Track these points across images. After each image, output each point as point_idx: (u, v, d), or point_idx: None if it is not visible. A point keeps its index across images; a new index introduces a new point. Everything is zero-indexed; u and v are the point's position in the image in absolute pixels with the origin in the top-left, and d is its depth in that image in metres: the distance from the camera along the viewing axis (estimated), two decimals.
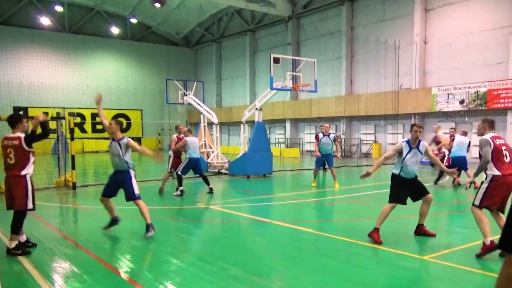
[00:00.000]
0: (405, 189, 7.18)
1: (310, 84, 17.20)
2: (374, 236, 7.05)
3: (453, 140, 13.69)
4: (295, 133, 36.34)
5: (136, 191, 7.64)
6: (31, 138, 6.61)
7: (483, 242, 6.15)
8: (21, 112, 30.40)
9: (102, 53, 41.87)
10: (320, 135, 13.93)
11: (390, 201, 7.20)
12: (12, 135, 6.59)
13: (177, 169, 12.42)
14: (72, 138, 13.26)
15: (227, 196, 13.55)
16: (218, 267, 5.91)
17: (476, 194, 6.34)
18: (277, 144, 35.93)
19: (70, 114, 16.62)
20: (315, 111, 32.64)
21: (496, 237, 6.41)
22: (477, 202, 6.24)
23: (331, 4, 31.89)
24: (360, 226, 8.59)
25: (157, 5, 35.08)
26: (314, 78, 17.22)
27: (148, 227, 7.49)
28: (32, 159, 6.64)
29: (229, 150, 32.25)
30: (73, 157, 13.30)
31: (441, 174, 14.13)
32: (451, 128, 15.13)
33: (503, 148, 6.23)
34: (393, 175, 7.30)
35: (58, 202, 11.80)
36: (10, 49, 36.72)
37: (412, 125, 7.19)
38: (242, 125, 18.63)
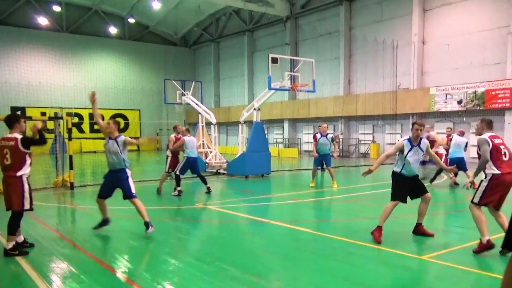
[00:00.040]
0: (405, 186, 7.19)
1: (308, 84, 17.19)
2: (375, 234, 7.07)
3: (450, 140, 13.69)
4: (293, 133, 36.35)
5: (133, 190, 7.64)
6: (28, 141, 6.57)
7: (480, 240, 6.24)
8: (19, 112, 30.33)
9: (100, 53, 41.82)
10: (318, 135, 13.92)
11: (392, 199, 7.21)
12: (9, 136, 6.56)
13: (176, 169, 12.41)
14: (70, 138, 13.24)
15: (225, 196, 13.54)
16: (216, 267, 5.90)
17: (476, 192, 6.39)
18: (275, 144, 35.94)
19: (68, 114, 16.54)
20: (313, 111, 32.64)
21: (493, 237, 6.44)
22: (476, 200, 6.31)
23: (329, 4, 31.90)
24: (358, 226, 8.60)
25: None
26: (312, 78, 17.21)
27: (147, 225, 7.51)
28: (28, 160, 6.59)
29: (227, 150, 32.21)
30: (70, 157, 13.28)
31: (438, 173, 14.12)
32: (448, 128, 15.13)
33: (502, 147, 6.27)
34: (394, 173, 7.30)
35: (55, 202, 11.77)
36: (8, 49, 36.69)
37: (413, 123, 7.20)
38: (240, 125, 18.62)
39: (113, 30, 42.43)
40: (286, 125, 36.33)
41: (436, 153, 14.60)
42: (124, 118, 41.38)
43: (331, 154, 14.15)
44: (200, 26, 45.15)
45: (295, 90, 17.33)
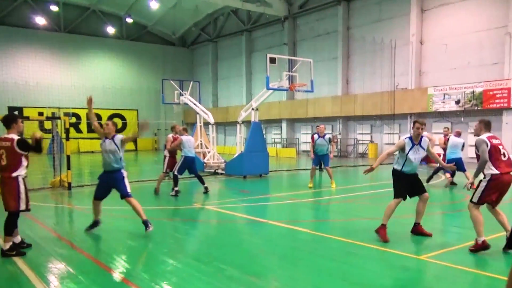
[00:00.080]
0: (405, 184, 7.25)
1: (307, 84, 17.19)
2: (381, 232, 7.11)
3: (447, 139, 13.68)
4: (292, 133, 36.35)
5: (129, 189, 7.69)
6: (24, 144, 6.50)
7: (476, 240, 6.32)
8: (16, 112, 30.29)
9: (97, 53, 41.75)
10: (315, 136, 13.96)
11: (395, 197, 7.25)
12: (5, 136, 6.52)
13: (173, 169, 12.39)
14: (67, 138, 13.20)
15: (224, 196, 13.52)
16: (215, 267, 5.89)
17: (475, 191, 6.46)
18: (273, 144, 35.94)
19: (65, 114, 16.57)
20: (311, 111, 32.65)
21: (492, 236, 6.45)
22: (475, 200, 6.39)
23: (327, 4, 31.91)
24: (356, 226, 8.61)
25: None
26: (310, 78, 17.21)
27: (146, 223, 7.55)
28: (25, 162, 6.53)
29: (225, 150, 32.23)
30: (68, 157, 13.25)
31: (434, 173, 14.13)
32: (445, 128, 15.12)
33: (500, 147, 6.34)
34: (395, 170, 7.36)
35: (53, 202, 11.74)
36: (5, 48, 36.62)
37: (414, 122, 7.23)
38: (238, 125, 18.61)
39: (110, 30, 42.37)
40: (284, 125, 36.33)
41: None
42: (122, 118, 41.32)
43: (328, 154, 14.13)
44: (198, 26, 45.12)
45: (293, 90, 17.32)
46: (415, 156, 7.15)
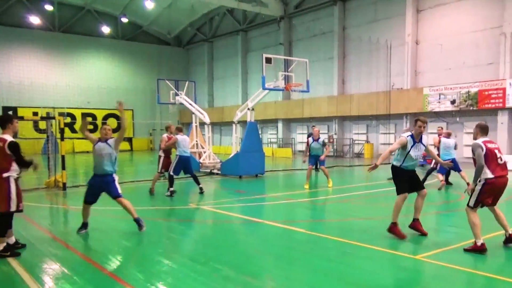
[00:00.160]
0: (405, 179, 7.34)
1: (302, 84, 17.19)
2: (395, 231, 7.18)
3: (439, 140, 13.62)
4: (287, 133, 36.36)
5: (119, 190, 7.75)
6: (15, 150, 6.37)
7: (475, 242, 6.34)
8: (10, 112, 30.15)
9: (92, 53, 41.60)
10: (310, 139, 14.02)
11: (399, 193, 7.29)
12: (0, 136, 6.45)
13: (169, 169, 12.34)
14: (62, 138, 13.14)
15: (219, 196, 13.49)
16: (210, 267, 5.87)
17: (471, 196, 6.51)
18: (269, 144, 35.93)
19: (60, 114, 16.45)
20: (307, 111, 32.66)
21: (486, 237, 6.46)
22: (471, 204, 6.46)
23: (323, 4, 31.94)
24: (352, 226, 8.62)
25: None
26: (306, 78, 17.21)
27: (138, 221, 7.67)
28: (15, 165, 6.48)
29: (221, 150, 32.15)
30: (63, 157, 13.18)
31: (428, 174, 14.13)
32: (439, 127, 15.09)
33: (496, 151, 6.42)
34: (394, 167, 7.42)
35: (48, 202, 11.68)
36: None
37: (417, 120, 7.30)
38: (234, 125, 18.58)
39: (106, 29, 42.23)
40: (280, 125, 36.33)
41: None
42: (117, 118, 41.05)
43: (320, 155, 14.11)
44: (194, 26, 45.06)
45: (289, 90, 17.32)
46: (416, 153, 7.23)
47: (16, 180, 6.47)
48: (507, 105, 21.81)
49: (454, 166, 12.51)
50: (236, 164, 16.83)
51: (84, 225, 7.84)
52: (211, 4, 36.68)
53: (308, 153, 14.10)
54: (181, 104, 21.26)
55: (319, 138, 13.95)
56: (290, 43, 35.51)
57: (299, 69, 17.71)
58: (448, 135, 13.75)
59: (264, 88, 16.58)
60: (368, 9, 29.43)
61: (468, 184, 6.85)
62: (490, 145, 6.43)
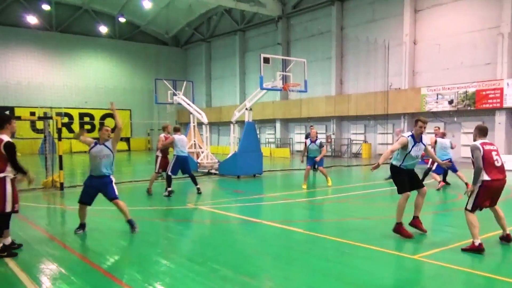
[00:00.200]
0: (406, 178, 7.38)
1: (300, 84, 17.18)
2: (401, 231, 7.20)
3: (436, 141, 13.61)
4: (285, 133, 36.35)
5: (116, 192, 7.75)
6: (11, 151, 6.32)
7: (473, 242, 6.36)
8: (7, 112, 30.05)
9: (90, 53, 41.49)
10: (308, 141, 14.05)
11: (400, 192, 7.33)
12: None
13: (167, 169, 12.32)
14: (59, 138, 13.11)
15: (217, 196, 13.48)
16: (208, 267, 5.86)
17: (468, 199, 6.56)
18: (267, 144, 35.93)
19: (58, 114, 16.43)
20: (305, 111, 32.67)
21: (483, 236, 6.46)
22: (469, 207, 6.51)
23: (321, 4, 31.93)
24: (350, 226, 8.62)
25: None
26: (304, 78, 17.21)
27: (131, 223, 7.69)
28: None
29: (219, 150, 32.20)
30: (60, 157, 13.15)
31: (425, 174, 14.14)
32: (436, 127, 15.06)
33: (494, 153, 6.46)
34: (394, 166, 7.46)
35: (45, 203, 11.65)
36: None
37: (417, 120, 7.35)
38: (232, 125, 18.56)
39: (103, 29, 42.13)
40: (278, 125, 36.33)
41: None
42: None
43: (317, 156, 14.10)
44: (192, 26, 45.01)
45: (287, 90, 17.31)
46: (416, 153, 7.29)
47: (13, 180, 6.43)
48: (504, 105, 21.85)
49: (451, 166, 12.53)
50: (234, 164, 16.82)
51: (82, 226, 7.83)
52: (209, 4, 36.65)
53: (306, 155, 14.14)
54: (179, 104, 21.24)
55: (316, 139, 13.96)
56: (288, 43, 35.50)
57: (297, 69, 17.71)
58: (443, 135, 13.78)
59: (262, 88, 16.57)
60: (366, 9, 29.45)
61: (467, 184, 6.91)
62: (487, 147, 6.48)
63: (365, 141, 30.09)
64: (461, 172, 12.80)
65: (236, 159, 16.78)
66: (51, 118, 14.69)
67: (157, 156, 12.76)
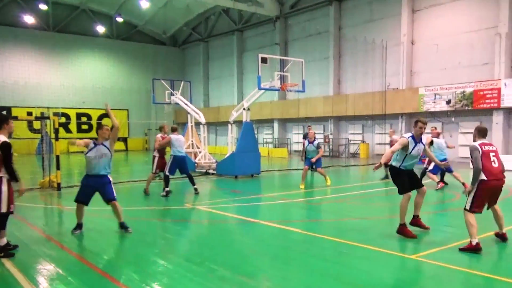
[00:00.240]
0: (406, 178, 7.42)
1: (298, 84, 17.18)
2: (404, 231, 7.22)
3: (431, 141, 13.59)
4: (283, 133, 36.35)
5: (115, 193, 7.74)
6: (6, 151, 6.27)
7: (470, 241, 6.39)
8: (4, 112, 29.96)
9: (87, 52, 41.40)
10: (306, 142, 14.08)
11: (401, 193, 7.36)
12: None
13: (164, 169, 12.29)
14: (56, 138, 13.06)
15: (215, 196, 13.46)
16: (206, 267, 5.84)
17: (467, 198, 6.59)
18: (265, 144, 35.92)
19: (55, 114, 16.35)
20: (303, 111, 32.67)
21: (481, 236, 6.46)
22: (467, 207, 6.54)
23: (319, 4, 31.94)
24: (348, 226, 8.61)
25: None
26: (302, 78, 17.21)
27: (124, 225, 7.71)
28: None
29: (216, 150, 32.17)
30: (57, 157, 13.11)
31: (422, 175, 14.14)
32: (433, 127, 15.06)
33: (492, 154, 6.52)
34: (393, 167, 7.49)
35: (42, 203, 11.61)
36: None
37: (417, 121, 7.39)
38: (229, 125, 18.54)
39: (101, 29, 42.04)
40: (275, 125, 36.32)
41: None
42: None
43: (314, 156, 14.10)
44: (189, 26, 44.97)
45: (284, 90, 17.30)
46: (416, 154, 7.34)
47: (9, 180, 6.39)
48: (502, 105, 21.89)
49: (448, 167, 12.58)
50: (231, 164, 16.81)
51: (79, 226, 7.80)
52: (207, 3, 36.61)
53: (304, 156, 14.20)
54: (177, 104, 21.20)
55: (314, 140, 13.96)
56: (285, 43, 35.50)
57: (295, 69, 17.71)
58: (437, 135, 13.80)
59: (259, 88, 16.56)
60: (363, 9, 29.46)
61: (464, 184, 6.95)
62: (485, 148, 6.54)
63: (363, 141, 30.10)
64: (456, 172, 12.81)
65: (234, 159, 16.76)
66: (48, 118, 14.64)
67: (154, 157, 12.76)
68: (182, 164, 12.35)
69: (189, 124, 19.85)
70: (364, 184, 15.23)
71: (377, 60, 28.38)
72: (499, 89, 21.92)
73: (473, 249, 6.28)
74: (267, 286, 5.35)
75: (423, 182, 13.70)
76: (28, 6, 38.15)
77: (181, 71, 46.94)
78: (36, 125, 27.25)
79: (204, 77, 44.72)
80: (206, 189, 14.16)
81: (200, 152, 19.44)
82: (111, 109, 7.97)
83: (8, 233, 6.74)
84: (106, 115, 39.41)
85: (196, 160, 18.78)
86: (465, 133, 23.74)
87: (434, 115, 25.00)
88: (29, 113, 31.11)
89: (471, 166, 6.58)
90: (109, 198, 7.65)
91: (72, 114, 39.60)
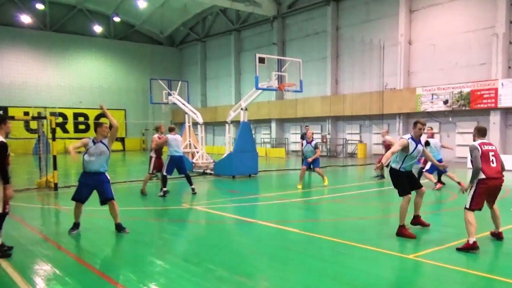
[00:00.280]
0: (405, 180, 7.45)
1: (296, 84, 17.18)
2: (404, 233, 7.23)
3: (426, 141, 13.61)
4: (281, 133, 36.35)
5: (112, 192, 7.72)
6: (2, 152, 6.21)
7: (467, 240, 6.41)
8: (1, 112, 29.90)
9: (84, 52, 41.31)
10: (304, 142, 14.09)
11: (402, 195, 7.38)
12: None
13: (162, 170, 12.26)
14: (53, 138, 13.01)
15: (212, 196, 13.44)
16: (204, 268, 5.82)
17: (467, 198, 6.64)
18: (262, 144, 35.91)
19: (52, 114, 16.33)
20: (300, 111, 32.68)
21: (478, 236, 6.47)
22: (467, 206, 6.59)
23: (316, 4, 31.96)
24: (346, 226, 8.61)
25: None
26: (299, 78, 17.20)
27: (120, 227, 7.69)
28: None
29: (214, 150, 32.09)
30: (54, 157, 13.06)
31: (419, 175, 14.16)
32: (428, 127, 15.05)
33: (491, 154, 6.59)
34: (393, 169, 7.50)
35: (39, 203, 11.56)
36: None
37: (417, 122, 7.43)
38: (227, 125, 18.53)
39: (98, 28, 41.97)
40: (273, 125, 36.32)
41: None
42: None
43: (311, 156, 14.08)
44: (187, 26, 44.93)
45: (282, 90, 17.29)
46: (416, 155, 7.39)
47: (4, 181, 6.35)
48: (499, 105, 21.95)
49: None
50: (229, 164, 16.79)
51: (76, 225, 7.76)
52: (204, 3, 36.59)
53: (303, 156, 14.29)
54: (174, 104, 21.19)
55: (312, 140, 13.95)
56: (283, 43, 35.51)
57: (293, 69, 17.70)
58: (431, 135, 13.83)
59: (257, 88, 16.54)
60: (361, 9, 29.50)
61: (459, 183, 6.96)
62: (485, 147, 6.62)
63: (360, 141, 30.13)
64: (450, 173, 12.85)
65: (231, 159, 16.75)
66: (45, 118, 14.59)
67: (151, 157, 12.65)
68: (180, 164, 12.33)
69: (187, 124, 19.83)
70: (361, 184, 15.23)
71: (374, 60, 28.41)
72: (496, 89, 21.98)
73: (470, 247, 6.32)
74: (265, 286, 5.34)
75: (421, 182, 13.82)
76: (25, 6, 38.04)
77: (178, 71, 46.90)
78: (33, 125, 27.16)
79: (202, 77, 44.69)
80: (204, 189, 14.14)
81: (197, 152, 19.42)
82: (107, 109, 7.93)
83: (5, 233, 6.71)
84: (103, 115, 39.36)
85: (194, 160, 18.76)
86: (463, 133, 23.80)
87: (432, 115, 25.05)
88: (26, 113, 31.03)
89: (469, 165, 6.64)
90: (107, 197, 7.62)
91: (69, 114, 39.53)
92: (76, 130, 40.10)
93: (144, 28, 45.17)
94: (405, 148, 7.25)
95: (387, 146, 15.39)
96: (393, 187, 7.66)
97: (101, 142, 7.57)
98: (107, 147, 7.60)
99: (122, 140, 41.81)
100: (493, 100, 22.13)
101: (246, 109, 17.31)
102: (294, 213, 10.45)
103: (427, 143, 13.15)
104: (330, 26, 30.97)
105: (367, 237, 7.29)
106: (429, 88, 24.84)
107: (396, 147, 7.40)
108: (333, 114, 30.43)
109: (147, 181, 12.66)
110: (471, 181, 6.55)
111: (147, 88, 31.91)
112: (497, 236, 6.96)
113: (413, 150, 7.25)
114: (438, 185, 13.22)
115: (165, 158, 12.48)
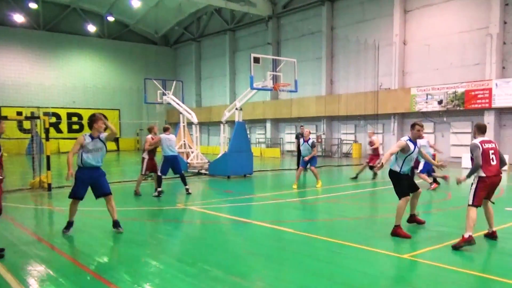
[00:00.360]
0: (405, 183, 7.52)
1: (291, 84, 17.18)
2: (399, 232, 7.26)
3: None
4: (276, 133, 36.35)
5: (109, 187, 7.70)
6: None
7: (463, 235, 6.48)
8: None
9: (78, 52, 41.13)
10: (301, 141, 14.08)
11: (401, 197, 7.41)
12: None
13: (156, 170, 12.20)
14: (47, 138, 12.94)
15: (207, 196, 13.40)
16: (198, 268, 5.80)
17: (469, 195, 6.76)
18: (257, 144, 35.90)
19: (45, 114, 16.19)
20: (295, 111, 32.69)
21: (476, 235, 6.48)
22: (470, 202, 6.70)
23: (311, 4, 31.99)
24: (341, 226, 8.61)
25: None
26: (294, 78, 17.20)
27: (117, 224, 7.65)
28: None
29: (208, 150, 32.08)
30: (48, 157, 13.00)
31: (412, 175, 14.18)
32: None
33: (491, 152, 6.73)
34: (393, 172, 7.54)
35: (32, 203, 11.48)
36: None
37: (414, 124, 7.51)
38: (222, 125, 18.49)
39: (92, 28, 41.77)
40: (268, 125, 36.31)
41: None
42: (104, 118, 40.74)
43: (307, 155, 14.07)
44: (181, 25, 44.84)
45: (277, 90, 17.29)
46: (414, 156, 7.50)
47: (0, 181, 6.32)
48: (493, 106, 22.04)
49: (430, 167, 12.86)
50: (224, 164, 16.76)
51: (69, 224, 7.68)
52: (199, 3, 36.52)
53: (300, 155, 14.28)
54: (169, 104, 21.12)
55: (309, 139, 13.93)
56: (278, 43, 35.51)
57: (287, 69, 17.70)
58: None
59: (252, 88, 16.53)
60: (356, 9, 29.54)
61: (444, 177, 7.15)
62: (485, 145, 6.76)
63: (355, 141, 30.18)
64: (437, 173, 13.20)
65: (226, 159, 16.71)
66: (38, 118, 14.50)
67: (143, 158, 12.45)
68: (175, 164, 12.28)
69: (181, 124, 19.77)
70: (356, 184, 15.24)
71: (369, 60, 28.46)
72: (490, 89, 22.07)
73: (467, 241, 6.39)
74: (260, 286, 5.32)
75: (416, 181, 13.86)
76: (18, 5, 37.78)
77: (173, 71, 46.80)
78: (26, 125, 27.00)
79: (196, 77, 44.62)
80: (199, 189, 14.10)
81: (192, 152, 19.37)
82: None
83: None
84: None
85: (189, 160, 18.71)
86: (457, 133, 23.89)
87: (426, 115, 25.12)
88: (19, 113, 30.81)
89: (464, 165, 6.68)
90: (104, 192, 7.57)
91: (63, 114, 39.33)
92: (70, 130, 39.90)
93: (139, 27, 45.03)
94: (403, 149, 7.31)
95: (375, 148, 16.12)
96: (389, 187, 7.68)
97: (98, 138, 7.52)
98: (104, 144, 7.59)
99: (116, 140, 41.59)
100: (487, 100, 22.22)
101: (241, 109, 17.28)
102: (289, 213, 10.44)
103: None
104: (325, 26, 31.00)
105: (362, 237, 7.29)
106: (424, 88, 24.91)
107: (394, 148, 7.44)
108: (328, 114, 30.46)
109: (140, 182, 12.55)
110: (468, 176, 6.73)
111: (141, 88, 31.78)
112: (491, 236, 7.01)
113: (413, 151, 7.35)
114: (434, 185, 13.27)
115: (158, 159, 12.42)
